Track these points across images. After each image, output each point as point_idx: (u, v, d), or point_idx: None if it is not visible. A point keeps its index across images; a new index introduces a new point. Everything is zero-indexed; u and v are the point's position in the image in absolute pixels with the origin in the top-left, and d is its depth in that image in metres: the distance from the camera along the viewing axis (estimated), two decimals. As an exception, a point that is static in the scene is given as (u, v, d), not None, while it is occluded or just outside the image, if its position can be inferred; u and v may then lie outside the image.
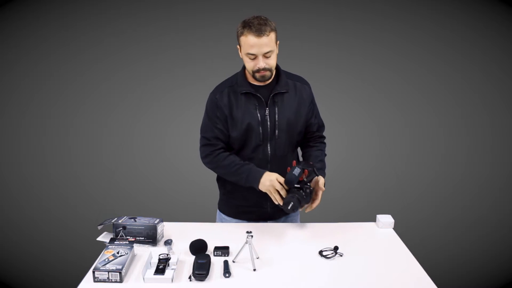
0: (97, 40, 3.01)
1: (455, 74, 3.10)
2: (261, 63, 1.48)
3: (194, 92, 2.98)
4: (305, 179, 1.51)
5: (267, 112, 1.59)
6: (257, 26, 1.44)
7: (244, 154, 1.63)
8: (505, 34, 3.00)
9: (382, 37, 3.06)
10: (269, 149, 1.62)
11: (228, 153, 1.63)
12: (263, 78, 1.53)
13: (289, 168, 1.50)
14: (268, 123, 1.60)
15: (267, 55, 1.48)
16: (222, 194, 1.81)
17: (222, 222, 1.81)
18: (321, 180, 1.57)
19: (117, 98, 3.10)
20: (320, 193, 1.55)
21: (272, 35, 1.47)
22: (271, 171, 1.61)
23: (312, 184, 1.56)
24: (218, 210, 1.84)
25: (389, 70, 3.11)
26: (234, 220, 1.77)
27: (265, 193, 1.61)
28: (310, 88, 1.71)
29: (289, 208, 1.46)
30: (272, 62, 1.51)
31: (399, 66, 3.10)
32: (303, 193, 1.50)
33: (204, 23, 3.02)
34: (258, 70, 1.50)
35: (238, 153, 1.64)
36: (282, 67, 1.71)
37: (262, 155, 1.62)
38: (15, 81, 3.01)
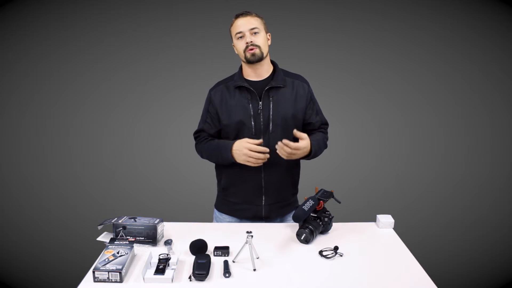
0: (97, 40, 3.01)
1: (455, 74, 3.09)
2: (248, 38, 1.57)
3: (194, 92, 2.98)
4: (324, 206, 1.53)
5: (260, 105, 1.60)
6: (242, 12, 1.60)
7: None
8: (505, 34, 3.00)
9: (382, 37, 3.06)
10: (262, 144, 1.62)
11: (212, 138, 1.69)
12: (254, 57, 1.58)
13: (305, 197, 1.51)
14: (262, 117, 1.61)
15: (254, 31, 1.57)
16: (218, 192, 1.84)
17: (217, 220, 1.83)
18: (301, 142, 1.53)
19: (117, 98, 3.09)
20: (294, 145, 1.51)
21: (259, 19, 1.61)
22: (264, 165, 1.63)
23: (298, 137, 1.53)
24: (214, 209, 1.86)
25: (389, 70, 3.11)
26: (229, 218, 1.77)
27: (259, 190, 1.66)
28: (308, 85, 1.72)
29: (301, 239, 1.47)
30: (259, 40, 1.59)
31: (399, 66, 3.10)
32: (320, 223, 1.50)
33: (204, 23, 3.02)
34: (247, 47, 1.57)
35: None
36: (282, 67, 1.72)
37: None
38: (15, 81, 3.01)
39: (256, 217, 1.72)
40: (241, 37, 1.58)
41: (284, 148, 1.51)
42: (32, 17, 2.95)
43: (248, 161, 1.55)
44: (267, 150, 1.54)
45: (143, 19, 3.00)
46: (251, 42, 1.57)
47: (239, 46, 1.60)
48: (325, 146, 1.77)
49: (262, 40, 1.60)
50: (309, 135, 1.69)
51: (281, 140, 1.54)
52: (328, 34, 3.06)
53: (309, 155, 1.61)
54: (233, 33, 1.62)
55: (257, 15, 1.62)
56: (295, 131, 1.54)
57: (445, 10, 3.02)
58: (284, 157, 1.54)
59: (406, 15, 3.03)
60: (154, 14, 3.00)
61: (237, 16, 1.61)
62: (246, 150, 1.54)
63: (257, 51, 1.57)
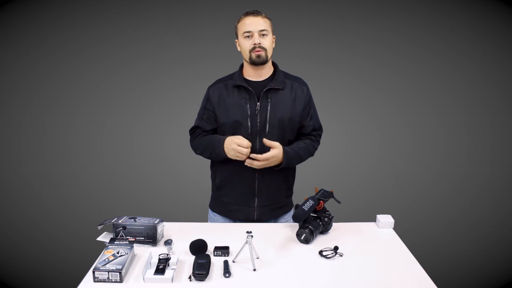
0: (97, 40, 3.01)
1: (455, 74, 3.10)
2: (257, 39, 1.55)
3: (194, 92, 2.97)
4: (324, 206, 1.53)
5: (258, 106, 1.60)
6: (253, 11, 1.58)
7: None
8: (505, 34, 3.00)
9: (382, 37, 3.06)
10: (257, 144, 1.62)
11: (206, 134, 1.69)
12: (259, 59, 1.57)
13: (305, 197, 1.51)
14: (258, 117, 1.61)
15: (263, 32, 1.56)
16: (212, 191, 1.83)
17: (211, 220, 1.82)
18: (272, 151, 1.55)
19: (117, 98, 3.09)
20: (262, 157, 1.54)
21: (268, 21, 1.59)
22: (259, 166, 1.62)
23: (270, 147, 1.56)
24: (209, 209, 1.85)
25: (389, 70, 3.11)
26: (222, 218, 1.77)
27: (252, 192, 1.66)
28: (308, 89, 1.71)
29: (301, 239, 1.47)
30: (267, 42, 1.58)
31: (399, 66, 3.10)
32: (320, 223, 1.50)
33: (204, 23, 3.02)
34: (254, 48, 1.56)
35: None
36: (282, 67, 1.72)
37: (251, 150, 1.61)
38: (15, 81, 3.01)
39: (248, 219, 1.71)
40: (248, 36, 1.56)
41: (254, 162, 1.55)
42: (32, 17, 2.95)
43: (237, 157, 1.55)
44: (249, 150, 1.54)
45: (143, 19, 3.00)
46: (259, 44, 1.55)
47: (245, 45, 1.58)
48: (310, 154, 1.74)
49: (269, 43, 1.59)
50: (297, 139, 1.71)
51: (278, 141, 1.57)
52: (329, 34, 3.06)
53: (281, 164, 1.60)
54: (240, 31, 1.59)
55: (267, 16, 1.59)
56: (264, 140, 1.56)
57: (445, 10, 3.02)
58: (258, 168, 1.57)
59: (406, 15, 3.03)
60: (154, 14, 3.00)
61: (246, 14, 1.58)
62: (235, 145, 1.53)
63: (263, 54, 1.56)
